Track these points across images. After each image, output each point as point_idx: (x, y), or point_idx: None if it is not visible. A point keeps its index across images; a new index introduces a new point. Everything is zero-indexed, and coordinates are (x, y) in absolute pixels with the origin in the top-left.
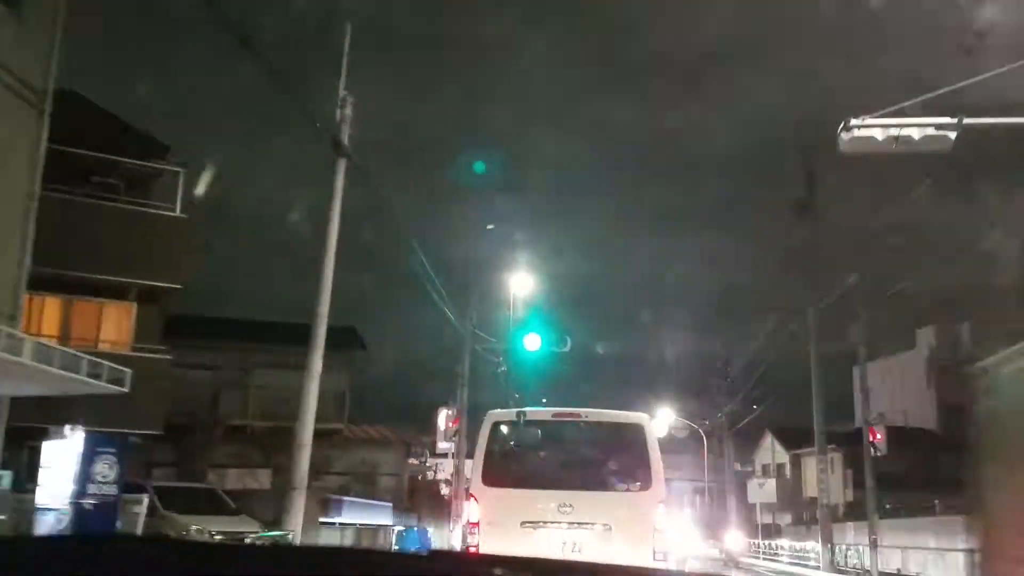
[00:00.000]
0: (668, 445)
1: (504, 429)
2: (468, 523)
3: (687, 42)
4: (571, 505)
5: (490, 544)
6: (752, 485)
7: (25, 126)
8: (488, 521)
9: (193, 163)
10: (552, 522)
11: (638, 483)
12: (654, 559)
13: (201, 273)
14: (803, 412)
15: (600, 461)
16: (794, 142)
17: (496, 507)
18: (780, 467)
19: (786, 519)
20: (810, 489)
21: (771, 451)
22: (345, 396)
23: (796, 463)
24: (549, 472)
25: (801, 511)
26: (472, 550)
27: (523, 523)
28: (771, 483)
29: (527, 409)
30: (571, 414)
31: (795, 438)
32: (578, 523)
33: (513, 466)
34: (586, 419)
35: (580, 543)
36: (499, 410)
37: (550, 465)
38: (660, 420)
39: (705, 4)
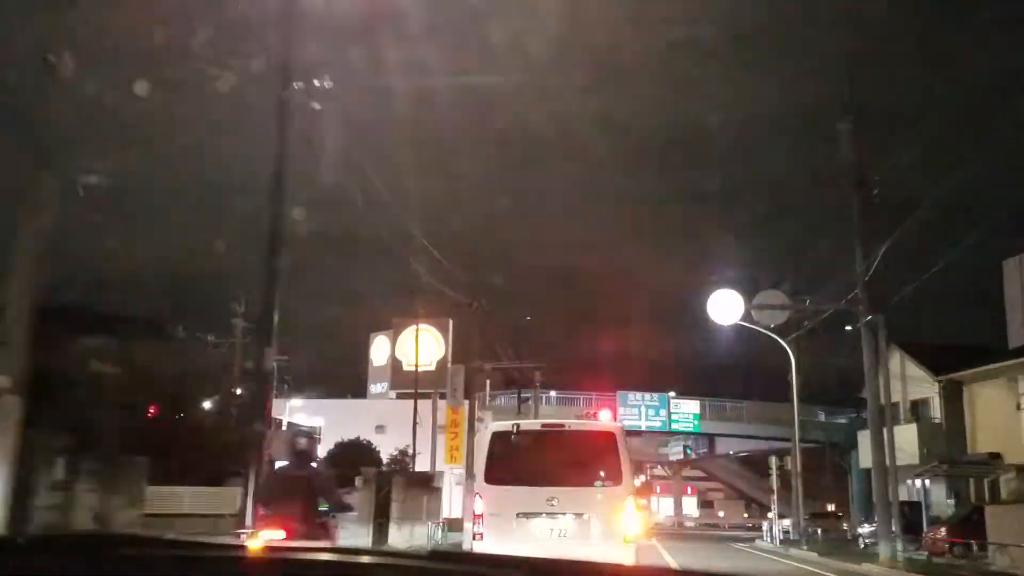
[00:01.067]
0: (722, 378)
1: (502, 437)
2: (474, 515)
3: None
4: (557, 499)
5: (492, 531)
6: (866, 439)
7: None
8: (490, 513)
9: None
10: (542, 513)
11: (611, 480)
12: (625, 542)
13: None
14: (943, 318)
15: (580, 462)
16: None
17: (496, 501)
18: (919, 405)
19: (938, 493)
20: (985, 437)
21: (900, 381)
22: None
23: (954, 395)
24: (539, 472)
25: (970, 478)
26: (477, 536)
27: (518, 514)
28: (907, 432)
29: (521, 422)
30: (557, 425)
31: (945, 356)
32: (563, 513)
33: (510, 467)
34: (569, 428)
35: (564, 529)
36: (498, 423)
37: (540, 466)
38: (724, 300)
39: None
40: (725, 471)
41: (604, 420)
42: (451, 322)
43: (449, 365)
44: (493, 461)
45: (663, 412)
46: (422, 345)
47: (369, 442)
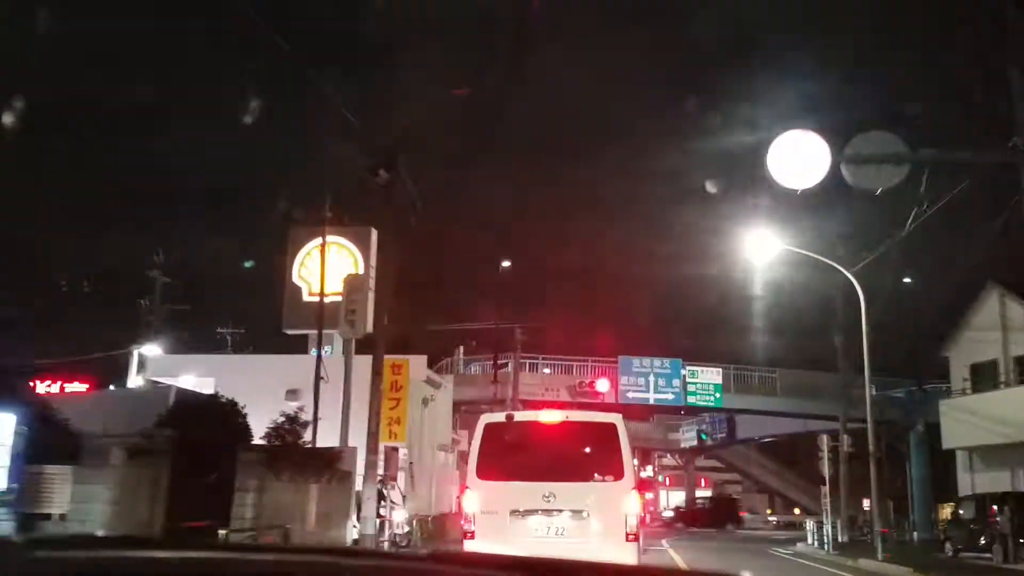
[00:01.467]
0: (748, 341)
1: (495, 429)
2: (464, 513)
3: None
4: (554, 495)
5: (484, 530)
6: (953, 410)
7: None
8: (482, 510)
9: None
10: (538, 510)
11: (611, 474)
12: (627, 540)
13: None
14: None
15: (578, 456)
16: None
17: (489, 498)
18: None
19: None
20: None
21: (1000, 331)
22: None
23: None
24: (534, 466)
25: None
26: (469, 535)
27: (512, 511)
28: (1013, 398)
29: (515, 413)
30: (553, 416)
31: None
32: (559, 510)
33: (503, 461)
34: (566, 419)
35: (562, 528)
36: (491, 414)
37: (535, 460)
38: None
39: None
40: (745, 460)
41: (601, 388)
42: (374, 233)
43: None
44: (485, 454)
45: (676, 382)
46: (334, 265)
47: (233, 402)
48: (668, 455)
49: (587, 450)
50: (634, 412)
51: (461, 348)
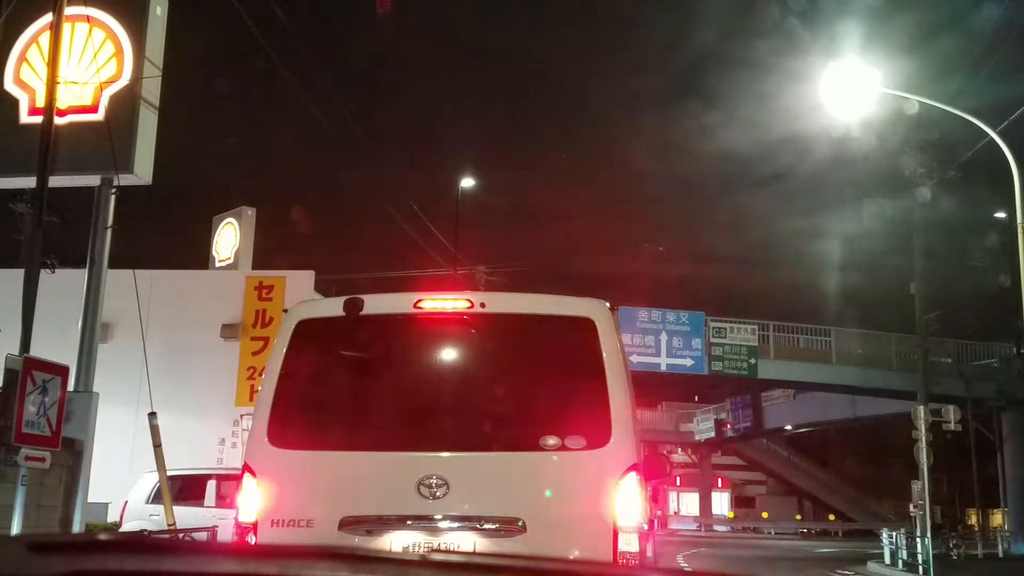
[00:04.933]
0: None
1: (317, 337)
2: (237, 524)
3: None
4: (448, 483)
5: None
6: None
7: None
8: (276, 518)
9: None
10: (407, 519)
11: (581, 434)
12: None
13: None
14: None
15: (507, 396)
16: None
17: (292, 489)
18: None
19: None
20: None
21: None
22: None
23: None
24: (403, 419)
25: None
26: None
27: (345, 522)
28: None
29: (364, 297)
30: (451, 304)
31: None
32: (458, 519)
33: (331, 408)
34: (482, 312)
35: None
36: (309, 301)
37: (406, 406)
38: None
39: None
40: (769, 456)
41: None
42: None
43: None
44: (293, 393)
45: (697, 343)
46: (80, 59)
47: None
48: (679, 450)
49: (528, 382)
50: (638, 393)
51: None
